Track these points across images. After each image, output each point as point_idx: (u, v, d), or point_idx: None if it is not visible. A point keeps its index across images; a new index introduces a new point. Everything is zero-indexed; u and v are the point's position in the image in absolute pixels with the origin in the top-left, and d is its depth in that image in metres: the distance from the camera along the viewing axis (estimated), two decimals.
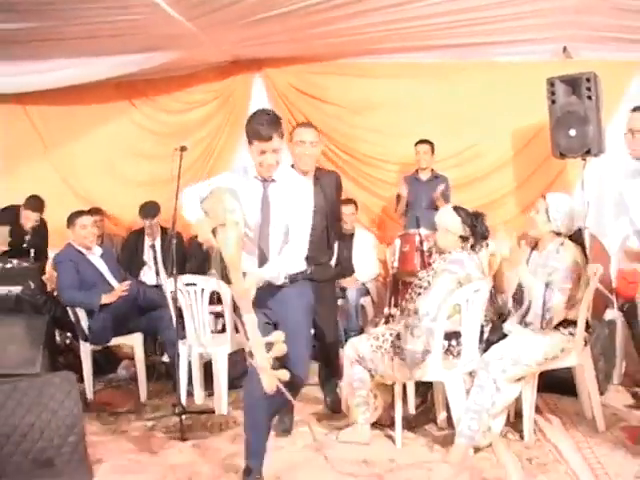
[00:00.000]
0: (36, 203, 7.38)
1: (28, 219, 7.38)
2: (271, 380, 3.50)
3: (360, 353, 4.92)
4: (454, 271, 4.83)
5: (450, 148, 7.77)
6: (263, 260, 4.08)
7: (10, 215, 7.48)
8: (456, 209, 5.10)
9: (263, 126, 3.96)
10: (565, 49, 7.49)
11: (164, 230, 7.61)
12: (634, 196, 5.28)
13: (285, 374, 3.54)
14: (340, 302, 7.32)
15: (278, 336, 3.63)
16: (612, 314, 6.22)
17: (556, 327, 4.77)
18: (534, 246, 5.02)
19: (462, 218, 4.99)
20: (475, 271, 4.87)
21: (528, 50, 7.50)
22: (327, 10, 6.16)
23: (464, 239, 4.96)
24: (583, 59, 7.43)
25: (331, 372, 5.57)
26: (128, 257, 7.64)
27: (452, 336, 4.81)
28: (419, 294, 4.92)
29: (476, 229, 4.98)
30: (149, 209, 7.57)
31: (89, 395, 6.06)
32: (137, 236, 7.78)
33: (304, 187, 4.24)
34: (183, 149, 5.59)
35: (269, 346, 3.60)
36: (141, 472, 4.48)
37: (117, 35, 6.39)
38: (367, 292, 7.79)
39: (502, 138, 7.79)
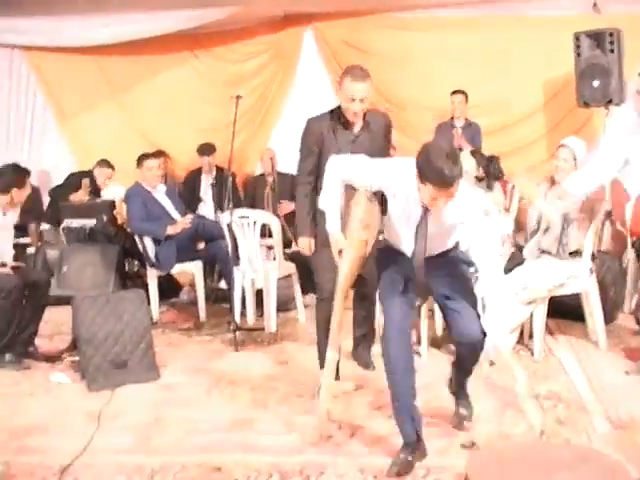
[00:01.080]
0: (109, 163, 8.12)
1: (105, 175, 8.10)
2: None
3: None
4: None
5: (483, 96, 8.20)
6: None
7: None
8: (472, 153, 5.71)
9: (445, 171, 3.34)
10: (595, 4, 7.82)
11: (219, 169, 8.28)
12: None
13: None
14: None
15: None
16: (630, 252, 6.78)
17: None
18: (550, 184, 5.63)
19: (477, 160, 5.58)
20: (492, 207, 5.49)
21: (560, 5, 7.90)
22: None
23: (479, 179, 5.57)
24: (611, 14, 7.75)
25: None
26: (188, 194, 8.30)
27: (471, 264, 5.45)
28: None
29: (489, 170, 5.58)
30: (206, 148, 8.27)
31: (155, 315, 6.69)
32: (195, 175, 8.48)
33: (470, 211, 3.64)
34: (239, 97, 6.22)
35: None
36: (200, 374, 5.22)
37: None
38: None
39: (533, 88, 8.24)
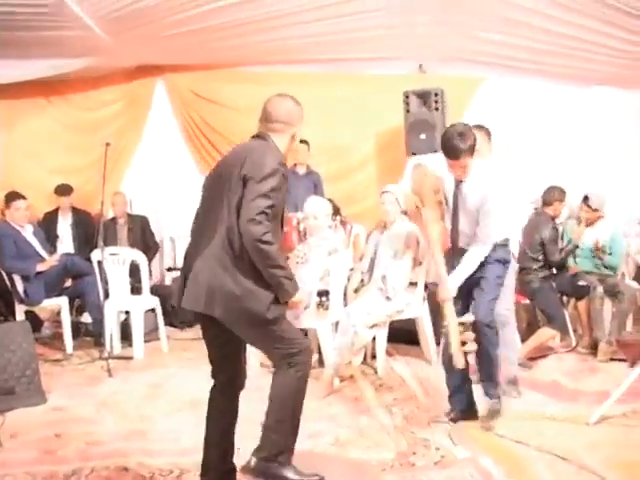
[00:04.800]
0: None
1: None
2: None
3: None
4: (324, 245, 6.27)
5: (323, 146, 8.95)
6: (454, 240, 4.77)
7: None
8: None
9: (448, 142, 4.38)
10: (421, 66, 8.93)
11: (75, 210, 8.64)
12: None
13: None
14: None
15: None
16: None
17: None
18: (382, 228, 6.55)
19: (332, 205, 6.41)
20: (340, 244, 6.35)
21: (391, 66, 8.84)
22: (226, 29, 7.37)
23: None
24: (436, 75, 8.82)
25: None
26: (45, 233, 8.54)
27: (323, 294, 6.23)
28: (297, 262, 6.31)
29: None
30: (64, 188, 8.54)
31: None
32: (52, 215, 8.69)
33: (488, 187, 4.54)
34: (108, 144, 6.77)
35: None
36: (84, 397, 5.70)
37: (47, 44, 7.37)
38: None
39: (367, 139, 9.14)
